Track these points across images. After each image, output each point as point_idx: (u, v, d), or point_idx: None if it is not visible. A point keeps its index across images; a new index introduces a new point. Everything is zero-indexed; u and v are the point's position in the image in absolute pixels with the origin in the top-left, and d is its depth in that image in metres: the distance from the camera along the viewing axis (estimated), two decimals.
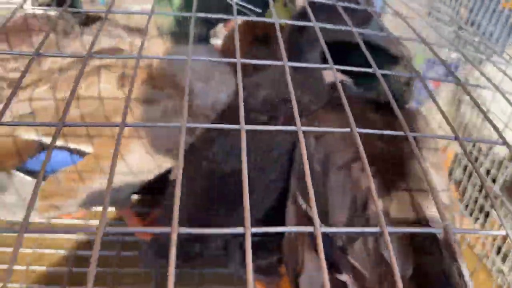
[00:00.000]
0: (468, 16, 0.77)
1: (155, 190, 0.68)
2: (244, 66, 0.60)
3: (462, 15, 0.79)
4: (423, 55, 0.84)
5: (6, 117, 0.51)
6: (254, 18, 0.50)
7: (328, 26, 0.34)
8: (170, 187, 0.61)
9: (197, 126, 0.27)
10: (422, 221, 0.39)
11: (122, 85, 0.49)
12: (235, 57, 0.59)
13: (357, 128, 0.26)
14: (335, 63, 0.39)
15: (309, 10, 0.37)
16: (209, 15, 0.31)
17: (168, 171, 0.59)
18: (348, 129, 0.25)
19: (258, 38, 0.58)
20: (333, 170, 0.43)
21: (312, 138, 0.46)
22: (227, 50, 0.56)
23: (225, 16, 0.33)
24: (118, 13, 0.44)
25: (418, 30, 0.35)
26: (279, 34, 0.32)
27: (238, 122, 0.40)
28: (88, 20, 0.71)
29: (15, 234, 0.16)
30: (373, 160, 0.26)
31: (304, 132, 0.48)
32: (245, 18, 0.44)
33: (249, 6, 0.41)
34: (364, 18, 0.47)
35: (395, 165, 0.43)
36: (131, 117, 0.49)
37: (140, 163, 0.51)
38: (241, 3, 0.38)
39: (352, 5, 0.39)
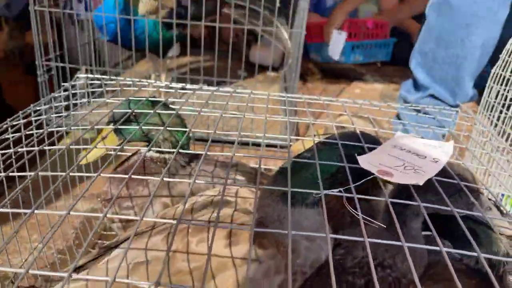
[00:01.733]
0: None
1: None
2: (341, 218, 0.61)
3: None
4: None
5: (120, 260, 0.55)
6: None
7: None
8: None
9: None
10: None
11: (229, 243, 0.52)
12: (333, 216, 0.60)
13: None
14: (438, 232, 0.40)
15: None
16: None
17: None
18: None
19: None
20: None
21: None
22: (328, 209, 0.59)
23: None
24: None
25: None
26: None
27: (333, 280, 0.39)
28: (192, 158, 0.79)
29: None
30: None
31: None
32: None
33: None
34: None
35: None
36: (235, 275, 0.51)
37: None
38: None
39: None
